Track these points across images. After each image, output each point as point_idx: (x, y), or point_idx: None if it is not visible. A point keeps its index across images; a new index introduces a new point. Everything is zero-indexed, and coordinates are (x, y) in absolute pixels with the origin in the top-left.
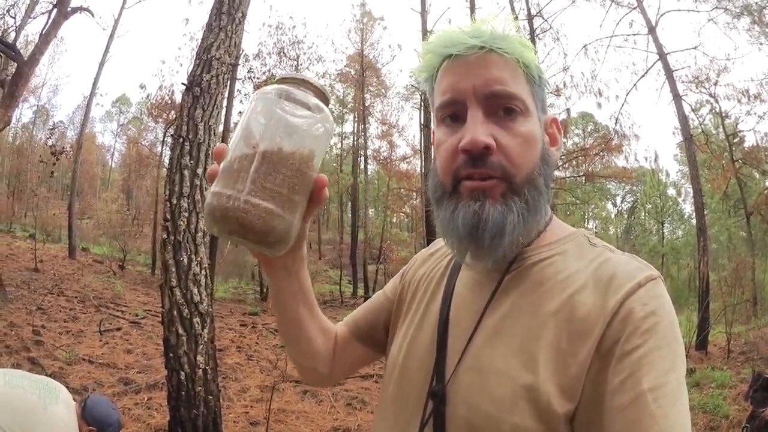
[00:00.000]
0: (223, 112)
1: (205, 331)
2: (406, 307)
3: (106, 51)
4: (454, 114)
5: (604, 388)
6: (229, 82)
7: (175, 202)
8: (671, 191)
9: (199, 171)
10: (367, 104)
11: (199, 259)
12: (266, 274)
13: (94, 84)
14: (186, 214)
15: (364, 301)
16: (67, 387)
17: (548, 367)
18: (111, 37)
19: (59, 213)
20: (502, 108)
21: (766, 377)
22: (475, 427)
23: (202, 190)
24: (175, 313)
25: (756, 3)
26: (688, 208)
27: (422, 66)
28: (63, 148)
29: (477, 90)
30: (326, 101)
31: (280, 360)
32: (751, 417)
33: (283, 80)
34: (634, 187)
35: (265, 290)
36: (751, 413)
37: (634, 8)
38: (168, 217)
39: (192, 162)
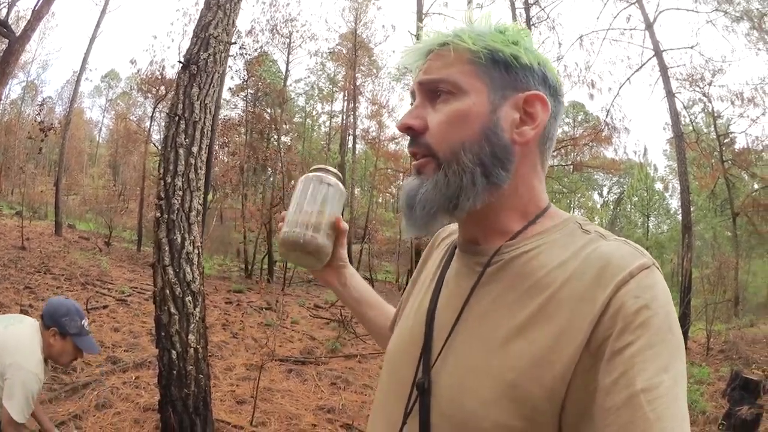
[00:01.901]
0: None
1: (197, 309)
2: (414, 296)
3: (98, 26)
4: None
5: (594, 386)
6: (225, 60)
7: (169, 180)
8: (658, 186)
9: (194, 149)
10: (357, 83)
11: (192, 238)
12: (333, 291)
13: (84, 59)
14: (180, 193)
15: None
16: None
17: (531, 365)
18: (103, 11)
19: (46, 189)
20: (431, 91)
21: (744, 377)
22: (459, 422)
23: (196, 169)
24: (167, 291)
25: (757, 9)
26: (674, 203)
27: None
28: (51, 124)
29: (416, 81)
30: (340, 178)
31: (265, 339)
32: (727, 414)
33: (317, 169)
34: (622, 179)
35: (250, 268)
36: (727, 411)
37: (633, 3)
38: (162, 195)
39: (187, 140)
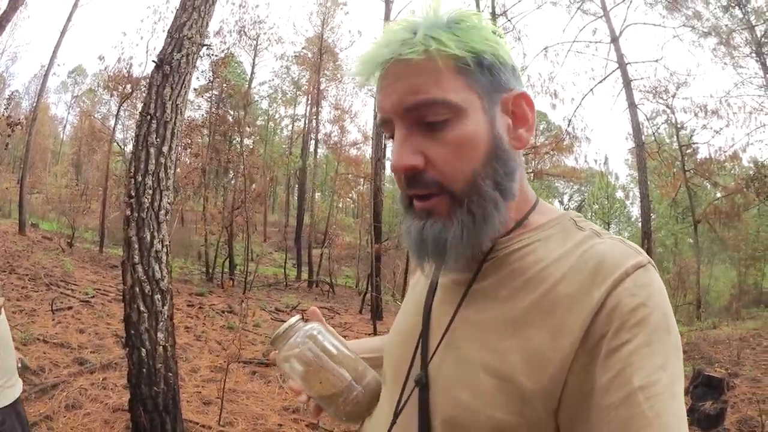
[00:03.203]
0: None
1: (165, 308)
2: (410, 293)
3: (69, 19)
4: (390, 133)
5: (592, 384)
6: (197, 61)
7: (140, 179)
8: (620, 194)
9: (165, 149)
10: (321, 88)
11: (161, 236)
12: None
13: (54, 53)
14: (150, 192)
15: (308, 285)
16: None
17: (525, 361)
18: (75, 5)
19: (10, 187)
20: (425, 119)
21: (706, 374)
22: (455, 417)
23: (166, 168)
24: (137, 289)
25: (726, 26)
26: (635, 211)
27: (360, 83)
28: (19, 119)
29: (396, 107)
30: (300, 318)
31: (228, 342)
32: (690, 410)
33: (285, 334)
34: (583, 188)
35: (211, 271)
36: (690, 407)
37: (600, 17)
38: (132, 194)
39: (158, 140)
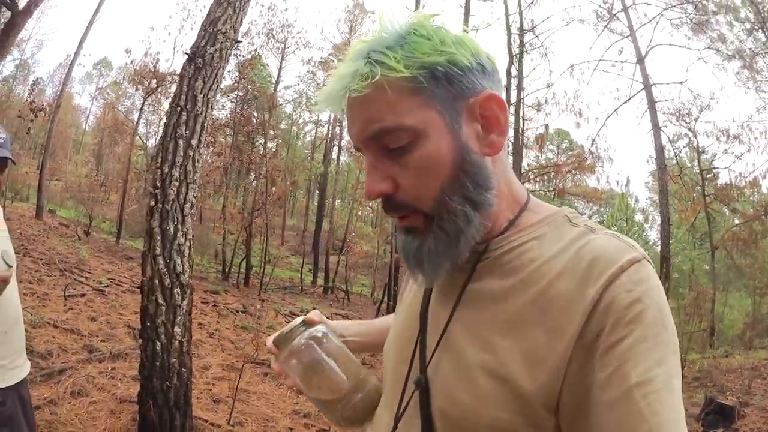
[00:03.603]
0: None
1: (184, 302)
2: (406, 295)
3: (97, 11)
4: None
5: (590, 381)
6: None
7: (166, 170)
8: (639, 217)
9: (194, 142)
10: None
11: (185, 229)
12: None
13: (80, 43)
14: (176, 184)
15: (323, 291)
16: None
17: (523, 360)
18: None
19: (30, 171)
20: (387, 146)
21: (718, 402)
22: (456, 418)
23: (194, 161)
24: (156, 281)
25: (750, 49)
26: (653, 235)
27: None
28: (42, 105)
29: (359, 137)
30: (305, 322)
31: (241, 341)
32: None
33: (289, 336)
34: (602, 209)
35: (227, 270)
36: None
37: (626, 37)
38: (158, 184)
39: (188, 132)
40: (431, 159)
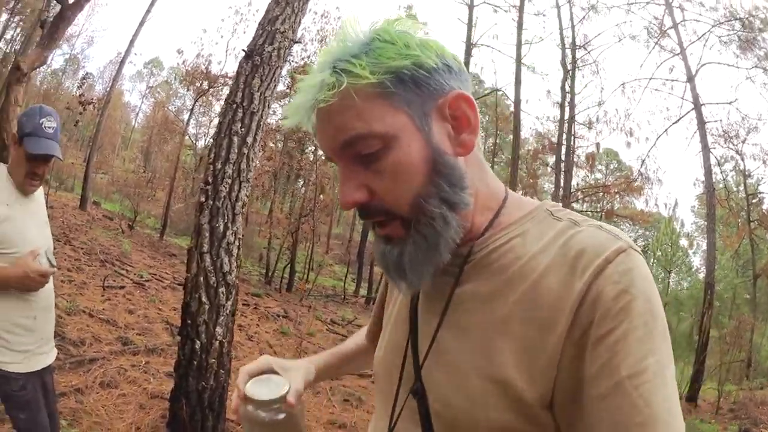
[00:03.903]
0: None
1: (229, 302)
2: (392, 301)
3: (149, 10)
4: None
5: (581, 375)
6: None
7: (219, 167)
8: (683, 242)
9: (249, 140)
10: None
11: (235, 228)
12: None
13: (132, 42)
14: (229, 181)
15: (365, 301)
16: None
17: (516, 360)
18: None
19: (76, 163)
20: (359, 153)
21: None
22: (454, 421)
23: (249, 159)
24: (201, 279)
25: None
26: (696, 261)
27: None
28: (92, 99)
29: (330, 148)
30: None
31: (280, 346)
32: None
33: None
34: (648, 232)
35: (270, 274)
36: None
37: (677, 54)
38: (210, 181)
39: (243, 130)
40: (404, 163)
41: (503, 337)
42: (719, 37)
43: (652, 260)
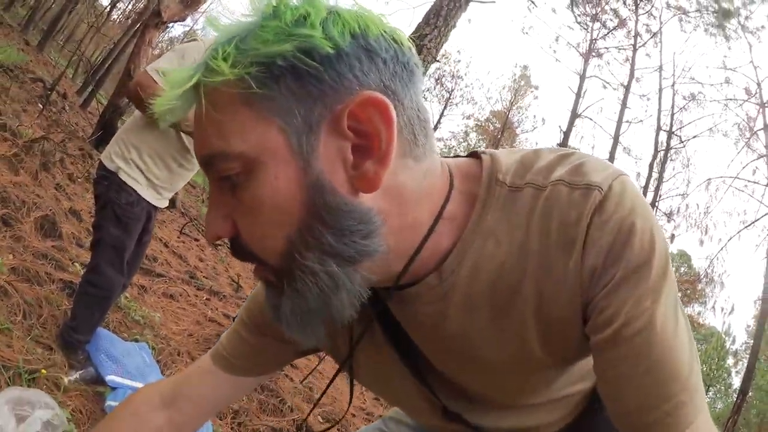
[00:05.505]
0: None
1: None
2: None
3: None
4: None
5: (592, 340)
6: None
7: None
8: (729, 361)
9: None
10: None
11: None
12: None
13: None
14: None
15: None
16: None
17: (541, 341)
18: None
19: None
20: (221, 175)
21: None
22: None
23: None
24: None
25: None
26: (736, 382)
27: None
28: None
29: (200, 164)
30: None
31: None
32: None
33: None
34: (699, 345)
35: None
36: None
37: (762, 156)
38: None
39: None
40: (267, 200)
41: (513, 342)
42: None
43: None
